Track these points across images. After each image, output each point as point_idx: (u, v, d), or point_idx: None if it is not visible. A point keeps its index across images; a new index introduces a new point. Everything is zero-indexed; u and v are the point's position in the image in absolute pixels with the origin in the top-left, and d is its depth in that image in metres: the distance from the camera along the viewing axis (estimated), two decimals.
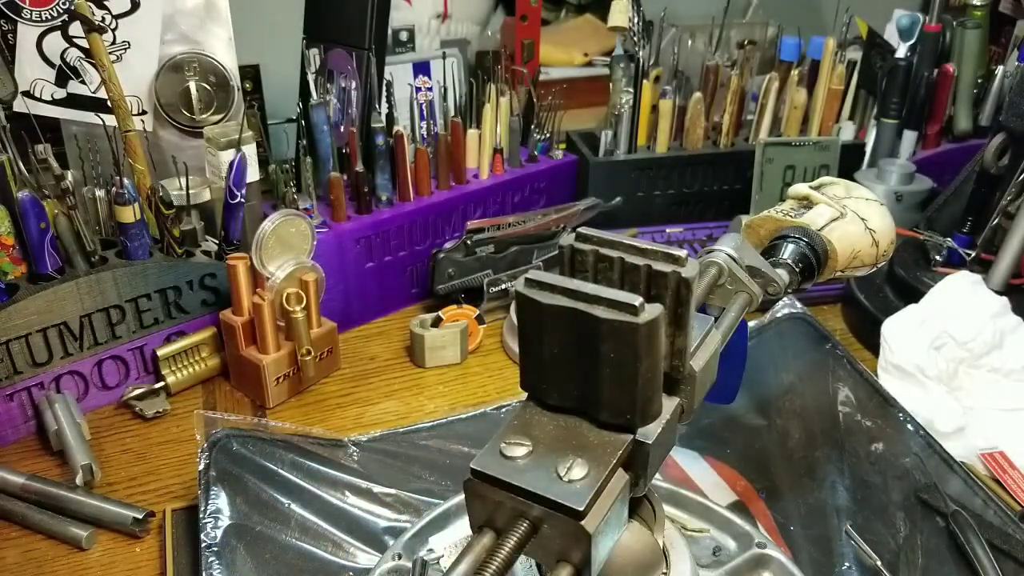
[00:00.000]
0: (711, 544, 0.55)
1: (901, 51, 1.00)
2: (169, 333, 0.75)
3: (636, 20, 0.93)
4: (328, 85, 0.88)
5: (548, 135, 0.98)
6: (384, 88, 0.84)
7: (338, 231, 0.81)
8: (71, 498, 0.60)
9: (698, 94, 0.98)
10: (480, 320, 0.84)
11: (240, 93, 0.81)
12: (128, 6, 0.75)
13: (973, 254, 0.83)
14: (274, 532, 0.55)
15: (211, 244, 0.78)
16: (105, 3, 0.74)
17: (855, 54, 1.04)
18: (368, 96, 0.84)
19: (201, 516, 0.53)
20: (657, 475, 0.55)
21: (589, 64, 1.34)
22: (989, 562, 0.55)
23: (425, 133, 0.89)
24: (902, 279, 0.85)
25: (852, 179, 0.82)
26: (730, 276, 0.45)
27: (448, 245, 0.86)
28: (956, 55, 1.05)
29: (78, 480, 0.62)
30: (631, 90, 0.96)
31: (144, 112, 0.79)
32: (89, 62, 0.74)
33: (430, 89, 1.06)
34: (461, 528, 0.56)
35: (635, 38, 0.93)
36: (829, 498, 0.62)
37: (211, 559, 0.50)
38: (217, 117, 0.80)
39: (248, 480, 0.57)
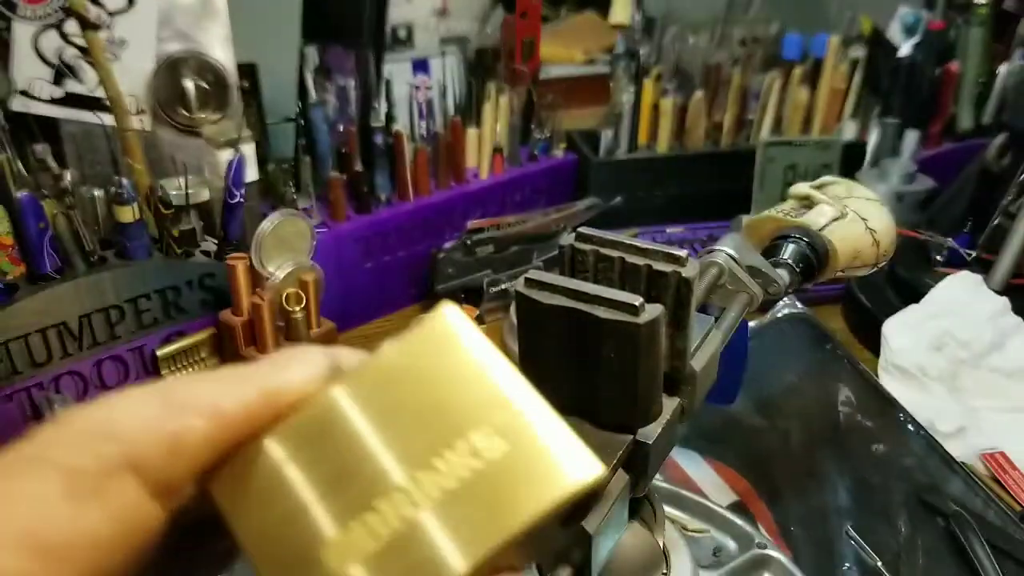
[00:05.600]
0: (711, 544, 0.55)
1: (905, 49, 0.99)
2: (168, 333, 0.74)
3: (637, 17, 0.93)
4: (326, 84, 0.87)
5: (548, 134, 0.98)
6: (383, 87, 0.84)
7: (337, 231, 0.80)
8: None
9: (699, 93, 0.98)
10: (480, 320, 0.84)
11: (238, 92, 0.81)
12: (123, 3, 0.74)
13: (974, 254, 0.83)
14: None
15: (210, 244, 0.77)
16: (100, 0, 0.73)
17: (858, 52, 1.04)
18: (367, 95, 0.84)
19: None
20: (657, 475, 0.55)
21: (590, 62, 1.34)
22: (990, 563, 0.55)
23: (424, 132, 0.89)
24: (903, 279, 0.85)
25: (854, 179, 0.81)
26: (730, 276, 0.44)
27: (448, 245, 0.86)
28: (960, 53, 1.04)
29: None
30: (632, 88, 0.95)
31: (142, 111, 0.78)
32: (86, 60, 0.73)
33: (429, 88, 1.06)
34: None
35: (636, 36, 0.93)
36: (830, 499, 0.62)
37: None
38: (215, 116, 0.80)
39: None
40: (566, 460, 0.19)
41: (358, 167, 0.81)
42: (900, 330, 0.76)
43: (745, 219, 0.56)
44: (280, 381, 0.19)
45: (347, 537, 0.18)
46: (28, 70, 0.73)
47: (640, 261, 0.33)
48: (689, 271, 0.33)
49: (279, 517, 0.19)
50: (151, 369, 0.74)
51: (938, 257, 0.85)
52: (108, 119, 0.71)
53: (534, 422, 0.19)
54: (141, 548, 0.18)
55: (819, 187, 0.55)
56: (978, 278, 0.79)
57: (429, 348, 0.20)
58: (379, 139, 0.82)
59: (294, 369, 0.20)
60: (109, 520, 0.17)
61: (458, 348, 0.20)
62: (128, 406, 0.18)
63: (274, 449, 0.19)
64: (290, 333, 0.72)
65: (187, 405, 0.18)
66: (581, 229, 0.35)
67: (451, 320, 0.20)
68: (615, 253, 0.34)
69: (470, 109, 0.91)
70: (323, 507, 0.18)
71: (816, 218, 0.52)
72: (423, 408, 0.19)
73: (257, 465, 0.19)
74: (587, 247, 0.34)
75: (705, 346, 0.38)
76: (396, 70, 0.99)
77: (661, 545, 0.43)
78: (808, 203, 0.54)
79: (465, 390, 0.19)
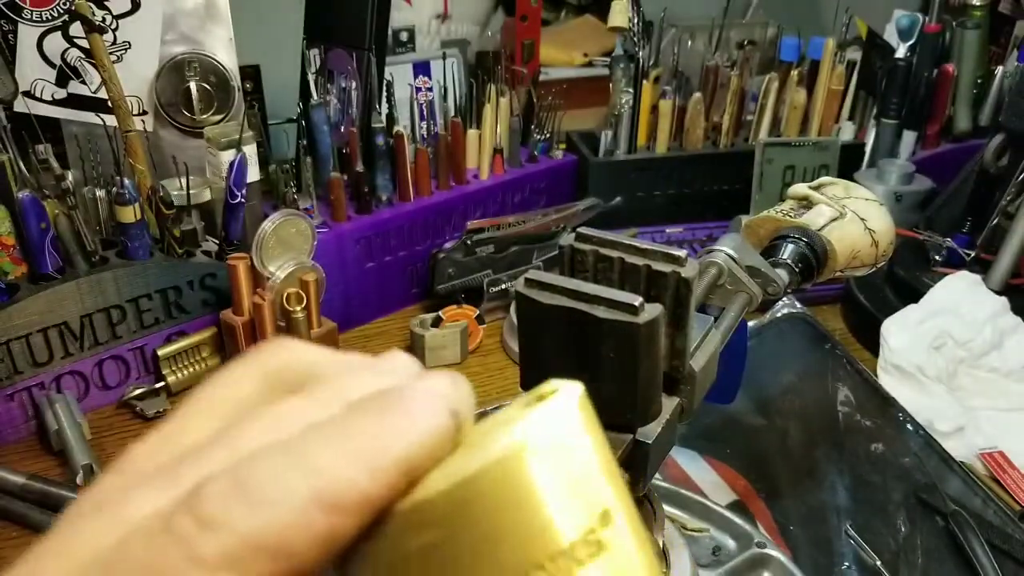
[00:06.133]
0: (711, 544, 0.55)
1: (901, 51, 1.00)
2: (170, 333, 0.75)
3: (636, 20, 0.93)
4: (328, 85, 0.88)
5: (548, 135, 0.98)
6: (384, 88, 0.84)
7: (338, 231, 0.81)
8: (72, 498, 0.60)
9: (698, 94, 0.98)
10: (480, 320, 0.84)
11: (240, 93, 0.81)
12: (128, 6, 0.75)
13: (973, 254, 0.83)
14: None
15: (211, 244, 0.78)
16: (105, 3, 0.74)
17: (855, 54, 1.04)
18: (368, 96, 0.84)
19: None
20: (657, 475, 0.55)
21: (589, 64, 1.34)
22: (988, 562, 0.55)
23: (425, 133, 0.90)
24: (902, 279, 0.85)
25: (852, 179, 0.82)
26: (730, 276, 0.45)
27: (448, 245, 0.86)
28: (956, 55, 1.05)
29: (79, 480, 0.62)
30: (631, 90, 0.96)
31: (145, 112, 0.79)
32: (90, 62, 0.74)
33: (430, 89, 1.06)
34: None
35: (635, 38, 0.94)
36: (829, 498, 0.62)
37: None
38: (218, 117, 0.80)
39: None
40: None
41: (359, 168, 0.82)
42: (899, 330, 0.76)
43: (744, 219, 0.56)
44: (415, 449, 0.18)
45: None
46: (32, 71, 0.74)
47: (639, 261, 0.34)
48: (688, 271, 0.33)
49: None
50: (152, 369, 0.74)
51: (937, 257, 0.86)
52: (110, 120, 0.72)
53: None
54: None
55: (818, 187, 0.55)
56: (977, 278, 0.79)
57: (544, 432, 0.19)
58: (380, 140, 0.83)
59: (423, 428, 0.18)
60: None
61: (567, 445, 0.19)
62: (281, 502, 0.17)
63: (407, 528, 0.18)
64: (291, 333, 0.72)
65: (342, 503, 0.17)
66: (581, 229, 0.35)
67: (563, 413, 0.20)
68: (615, 253, 0.34)
69: (470, 110, 0.91)
70: None
71: (815, 218, 0.52)
72: (520, 515, 0.18)
73: (391, 546, 0.19)
74: (587, 247, 0.35)
75: (704, 346, 0.38)
76: (397, 72, 0.99)
77: (661, 544, 0.43)
78: (807, 203, 0.54)
79: (559, 497, 0.19)
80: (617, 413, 0.33)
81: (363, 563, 0.19)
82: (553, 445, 0.19)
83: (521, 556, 0.18)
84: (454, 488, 0.18)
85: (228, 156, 0.73)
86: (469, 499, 0.18)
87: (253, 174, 0.76)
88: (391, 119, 0.85)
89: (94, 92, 0.76)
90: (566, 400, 0.19)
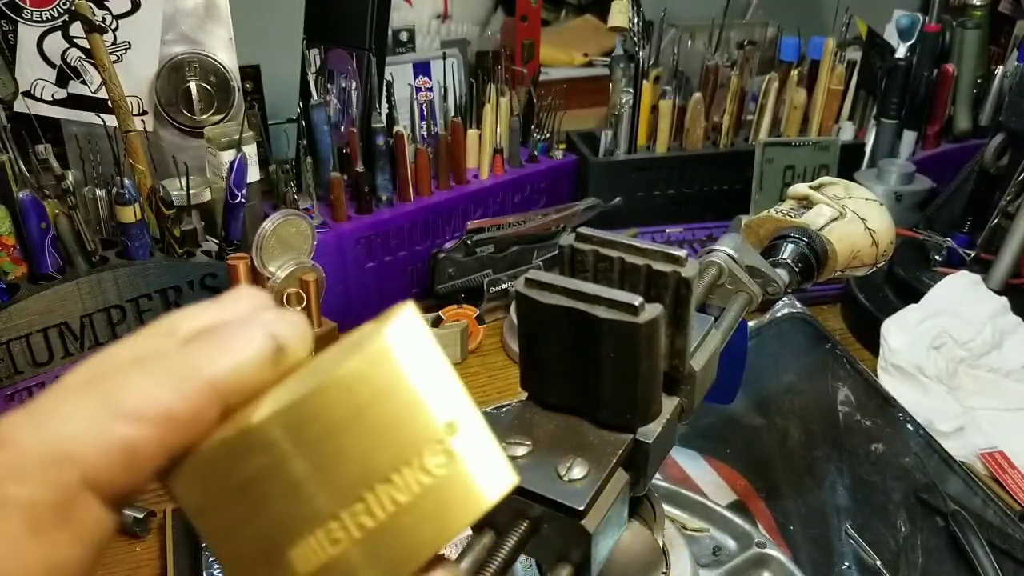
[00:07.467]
0: (711, 544, 0.55)
1: (901, 51, 1.00)
2: None
3: (636, 20, 0.93)
4: (328, 85, 0.88)
5: (548, 135, 0.98)
6: (384, 88, 0.84)
7: (338, 231, 0.81)
8: None
9: (698, 94, 0.98)
10: (480, 320, 0.84)
11: (241, 93, 0.81)
12: (128, 6, 0.75)
13: (973, 254, 0.83)
14: None
15: (211, 244, 0.78)
16: (105, 3, 0.74)
17: (855, 54, 1.04)
18: (368, 96, 0.84)
19: None
20: (657, 475, 0.55)
21: (589, 64, 1.34)
22: (989, 562, 0.55)
23: (425, 133, 0.90)
24: (902, 279, 0.85)
25: (852, 179, 0.82)
26: (730, 276, 0.45)
27: (448, 245, 0.86)
28: (956, 55, 1.05)
29: None
30: (631, 90, 0.96)
31: (145, 112, 0.79)
32: (90, 62, 0.74)
33: (430, 89, 1.06)
34: None
35: (635, 38, 0.94)
36: (829, 498, 0.62)
37: (211, 559, 0.51)
38: (218, 117, 0.80)
39: None
40: (482, 478, 0.19)
41: (359, 168, 0.82)
42: (899, 330, 0.76)
43: (744, 219, 0.56)
44: (225, 371, 0.18)
45: (308, 544, 0.18)
46: (32, 72, 0.74)
47: (639, 261, 0.34)
48: (688, 271, 0.33)
49: (242, 517, 0.18)
50: None
51: (937, 257, 0.86)
52: (110, 120, 0.72)
53: (466, 441, 0.19)
54: (100, 553, 0.18)
55: (818, 187, 0.55)
56: (977, 278, 0.79)
57: (375, 363, 0.19)
58: (380, 140, 0.83)
59: (236, 352, 0.18)
60: (78, 544, 0.17)
61: (400, 365, 0.19)
62: (73, 416, 0.17)
63: (236, 454, 0.18)
64: None
65: (137, 412, 0.17)
66: (581, 229, 0.35)
67: (399, 334, 0.19)
68: (614, 253, 0.34)
69: (471, 110, 0.91)
70: (286, 512, 0.18)
71: (815, 218, 0.52)
72: (364, 431, 0.19)
73: (216, 465, 0.18)
74: (587, 247, 0.35)
75: (704, 346, 0.38)
76: (398, 72, 0.99)
77: (661, 544, 0.43)
78: (807, 203, 0.54)
79: (403, 411, 0.19)
80: (617, 413, 0.33)
81: (193, 487, 0.19)
82: (412, 351, 0.19)
83: (369, 467, 0.18)
84: (287, 410, 0.18)
85: (228, 156, 0.73)
86: (305, 421, 0.18)
87: (253, 174, 0.76)
88: (391, 119, 0.85)
89: (94, 92, 0.76)
90: (412, 315, 0.20)
